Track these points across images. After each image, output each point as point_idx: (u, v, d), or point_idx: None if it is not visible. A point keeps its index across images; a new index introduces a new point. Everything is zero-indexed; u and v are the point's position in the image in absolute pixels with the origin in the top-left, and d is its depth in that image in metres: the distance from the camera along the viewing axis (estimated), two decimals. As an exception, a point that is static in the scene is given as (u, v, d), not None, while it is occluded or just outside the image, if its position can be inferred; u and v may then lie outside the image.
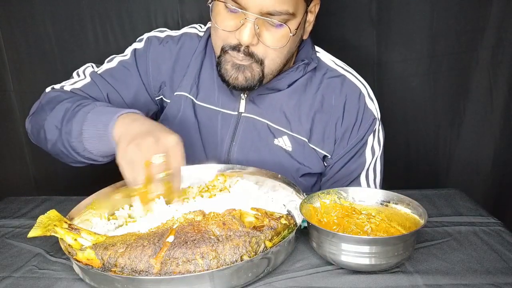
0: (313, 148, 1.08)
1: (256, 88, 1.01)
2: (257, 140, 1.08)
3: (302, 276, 0.70)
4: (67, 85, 1.08)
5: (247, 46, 0.95)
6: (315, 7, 1.03)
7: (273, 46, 0.95)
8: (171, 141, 0.82)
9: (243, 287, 0.68)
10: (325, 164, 1.11)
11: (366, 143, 1.09)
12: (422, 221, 0.71)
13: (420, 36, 1.47)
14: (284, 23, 0.93)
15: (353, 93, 1.08)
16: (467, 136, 1.57)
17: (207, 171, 1.01)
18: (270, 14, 0.91)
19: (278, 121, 1.08)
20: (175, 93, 1.11)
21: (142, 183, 0.79)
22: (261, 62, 0.97)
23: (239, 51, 0.96)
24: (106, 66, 1.12)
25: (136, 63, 1.12)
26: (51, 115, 0.97)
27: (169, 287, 0.64)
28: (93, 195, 0.91)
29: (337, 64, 1.12)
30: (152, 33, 1.15)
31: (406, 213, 0.77)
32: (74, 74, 1.12)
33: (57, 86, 1.09)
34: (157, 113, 1.18)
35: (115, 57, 1.14)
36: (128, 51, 1.14)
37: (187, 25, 1.18)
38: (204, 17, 1.38)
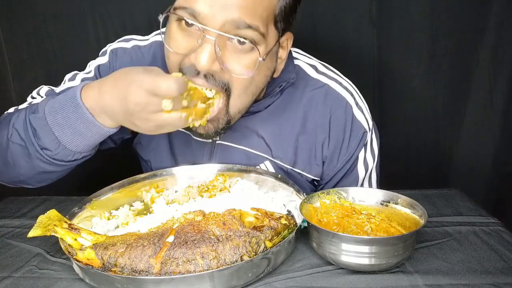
0: (299, 173, 1.00)
1: (225, 132, 0.89)
2: None
3: (302, 276, 0.70)
4: (20, 107, 0.96)
5: (211, 74, 0.79)
6: (287, 42, 0.90)
7: (239, 73, 0.80)
8: (154, 68, 0.73)
9: (243, 287, 0.68)
10: (316, 184, 1.04)
11: (357, 159, 1.00)
12: (422, 221, 0.71)
13: (420, 36, 1.48)
14: (252, 46, 0.78)
15: (338, 105, 0.97)
16: (467, 136, 1.57)
17: (207, 171, 1.01)
18: (236, 28, 0.76)
19: (257, 146, 0.98)
20: None
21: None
22: (228, 94, 0.82)
23: (198, 74, 0.79)
24: (67, 85, 1.00)
25: None
26: (7, 133, 0.83)
27: (169, 287, 0.64)
28: (93, 194, 0.91)
29: (318, 71, 1.00)
30: (116, 44, 1.03)
31: (406, 213, 0.77)
32: (29, 98, 1.01)
33: (11, 110, 0.96)
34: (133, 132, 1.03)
35: (77, 74, 1.02)
36: (92, 66, 1.02)
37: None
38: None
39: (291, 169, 1.00)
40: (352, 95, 1.00)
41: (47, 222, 0.75)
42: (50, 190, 1.02)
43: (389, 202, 0.80)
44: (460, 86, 1.53)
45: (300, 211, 0.76)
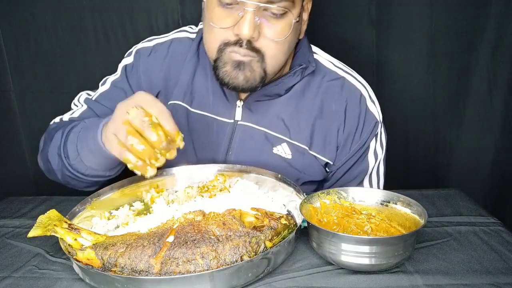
0: (314, 156, 1.05)
1: (258, 89, 0.96)
2: (254, 149, 1.04)
3: (302, 276, 0.70)
4: (66, 116, 1.09)
5: (249, 41, 0.89)
6: (308, 5, 0.99)
7: (276, 38, 0.90)
8: (140, 94, 0.78)
9: (243, 287, 0.68)
10: (327, 170, 1.09)
11: (368, 147, 1.06)
12: (422, 221, 0.71)
13: (420, 36, 1.47)
14: (284, 12, 0.89)
15: (353, 96, 1.05)
16: (467, 136, 1.57)
17: (207, 171, 1.01)
18: (270, 2, 0.87)
19: (276, 128, 1.04)
20: (169, 102, 1.07)
21: (125, 137, 0.74)
22: (262, 59, 0.92)
23: (241, 46, 0.90)
24: (100, 90, 1.11)
25: (127, 79, 1.09)
26: (50, 146, 0.97)
27: (169, 287, 0.64)
28: (93, 194, 0.91)
29: (335, 66, 1.08)
30: (140, 45, 1.12)
31: (406, 213, 0.77)
32: (72, 105, 1.12)
33: (57, 119, 1.10)
34: None
35: (108, 78, 1.12)
36: (119, 68, 1.12)
37: (188, 26, 1.16)
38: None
39: (307, 150, 1.04)
40: (366, 88, 1.08)
41: (47, 222, 0.75)
42: (50, 190, 1.02)
43: (389, 202, 0.80)
44: (460, 86, 1.53)
45: (300, 211, 0.76)
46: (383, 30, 1.47)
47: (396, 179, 1.14)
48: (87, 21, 1.49)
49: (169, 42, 1.10)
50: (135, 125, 0.74)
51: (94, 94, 1.11)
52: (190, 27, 1.13)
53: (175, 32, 1.13)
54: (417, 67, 1.51)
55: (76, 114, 1.07)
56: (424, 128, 1.59)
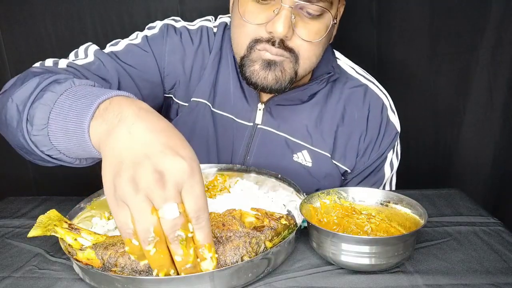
0: (335, 164, 1.03)
1: (285, 90, 0.91)
2: (273, 155, 1.01)
3: (302, 276, 0.70)
4: (63, 61, 0.87)
5: (282, 40, 0.85)
6: (340, 8, 0.96)
7: (310, 39, 0.86)
8: (182, 171, 0.52)
9: (243, 287, 0.68)
10: (343, 178, 1.06)
11: (386, 158, 1.05)
12: (422, 221, 0.71)
13: (420, 36, 1.48)
14: (321, 13, 0.85)
15: (376, 105, 1.03)
16: (467, 136, 1.57)
17: (207, 171, 1.01)
18: (308, 0, 0.83)
19: (298, 134, 1.01)
20: (192, 99, 1.01)
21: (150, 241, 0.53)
22: (296, 60, 0.88)
23: (273, 44, 0.85)
24: (111, 48, 0.95)
25: (150, 47, 0.96)
26: (17, 93, 0.67)
27: (169, 287, 0.64)
28: (93, 194, 0.91)
29: (357, 73, 1.06)
30: (167, 21, 1.01)
31: (406, 213, 0.77)
32: (72, 54, 0.92)
33: (49, 62, 0.86)
34: (160, 111, 1.03)
35: (120, 41, 0.98)
36: (138, 37, 0.98)
37: (208, 16, 1.09)
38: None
39: (329, 158, 1.02)
40: (387, 98, 1.06)
41: (47, 222, 0.75)
42: (50, 190, 1.02)
43: (389, 202, 0.80)
44: (460, 86, 1.53)
45: (300, 211, 0.76)
46: (383, 30, 1.48)
47: (396, 179, 1.14)
48: (87, 21, 1.49)
49: (196, 30, 1.02)
50: (163, 229, 0.53)
51: (105, 50, 0.95)
52: (208, 20, 1.05)
53: (201, 20, 1.05)
54: (418, 67, 1.51)
55: (79, 62, 0.87)
56: (424, 128, 1.59)
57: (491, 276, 0.69)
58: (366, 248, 0.68)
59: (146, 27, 1.02)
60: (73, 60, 0.88)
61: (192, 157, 0.54)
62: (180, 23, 1.02)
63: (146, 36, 0.98)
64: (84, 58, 0.90)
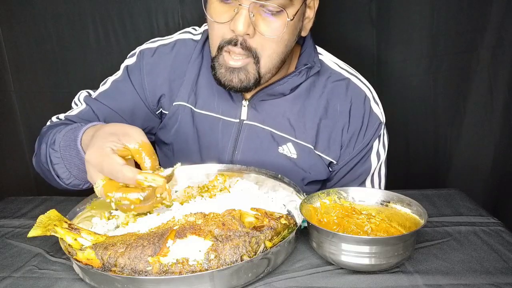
0: (319, 155, 1.06)
1: (252, 89, 0.97)
2: (260, 148, 1.05)
3: (302, 276, 0.70)
4: (63, 115, 1.07)
5: (244, 40, 0.90)
6: (313, 2, 0.99)
7: (270, 35, 0.90)
8: (116, 126, 0.78)
9: (243, 287, 0.68)
10: (330, 170, 1.09)
11: (371, 148, 1.07)
12: (422, 221, 0.71)
13: (420, 36, 1.47)
14: (281, 9, 0.88)
15: (358, 97, 1.06)
16: (467, 136, 1.57)
17: (207, 171, 1.01)
18: None
19: (282, 127, 1.05)
20: (174, 103, 1.08)
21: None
22: (257, 60, 0.93)
23: (235, 45, 0.90)
24: (100, 89, 1.10)
25: (129, 79, 1.08)
26: (38, 156, 0.95)
27: (169, 287, 0.64)
28: (93, 194, 0.91)
29: (340, 67, 1.09)
30: (144, 46, 1.11)
31: (406, 213, 0.77)
32: (73, 104, 1.11)
33: (54, 118, 1.08)
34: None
35: (109, 78, 1.11)
36: (121, 69, 1.11)
37: (188, 26, 1.16)
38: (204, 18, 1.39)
39: (313, 150, 1.05)
40: (370, 90, 1.09)
41: (47, 222, 0.75)
42: (50, 190, 1.02)
43: (389, 202, 0.80)
44: (460, 86, 1.52)
45: (300, 211, 0.76)
46: (383, 30, 1.47)
47: (396, 179, 1.14)
48: (87, 21, 1.49)
49: (173, 44, 1.10)
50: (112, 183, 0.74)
51: (95, 93, 1.10)
52: (194, 29, 1.13)
53: (179, 34, 1.12)
54: (418, 67, 1.51)
55: (73, 113, 1.06)
56: (424, 128, 1.58)
57: (491, 276, 0.69)
58: (366, 248, 0.68)
59: (128, 55, 1.12)
60: (71, 112, 1.07)
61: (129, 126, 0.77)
62: (157, 43, 1.11)
63: (127, 67, 1.10)
64: (79, 107, 1.07)
